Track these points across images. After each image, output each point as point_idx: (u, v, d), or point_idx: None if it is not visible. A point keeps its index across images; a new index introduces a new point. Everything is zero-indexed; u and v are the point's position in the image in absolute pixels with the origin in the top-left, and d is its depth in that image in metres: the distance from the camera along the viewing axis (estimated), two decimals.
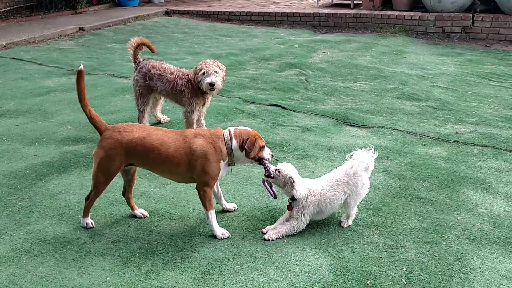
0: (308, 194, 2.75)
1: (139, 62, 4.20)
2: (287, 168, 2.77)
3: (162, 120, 4.58)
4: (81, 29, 9.27)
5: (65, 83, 5.75)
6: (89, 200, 2.77)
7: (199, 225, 2.86)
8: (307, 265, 2.48)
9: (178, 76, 3.99)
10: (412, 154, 3.89)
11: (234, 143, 2.69)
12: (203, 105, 4.12)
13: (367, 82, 5.96)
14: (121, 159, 2.64)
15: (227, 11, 10.90)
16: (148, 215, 2.96)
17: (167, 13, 11.61)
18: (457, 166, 3.66)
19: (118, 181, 3.05)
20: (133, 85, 4.22)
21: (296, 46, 8.06)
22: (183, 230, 2.81)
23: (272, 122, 4.60)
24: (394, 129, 4.42)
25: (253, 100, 5.20)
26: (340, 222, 2.90)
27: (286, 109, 4.97)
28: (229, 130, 2.76)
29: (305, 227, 2.78)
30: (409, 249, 2.63)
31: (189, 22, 10.72)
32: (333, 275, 2.41)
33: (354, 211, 2.89)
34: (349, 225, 2.87)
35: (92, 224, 2.83)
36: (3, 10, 10.92)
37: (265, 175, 2.78)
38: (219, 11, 11.00)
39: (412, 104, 5.17)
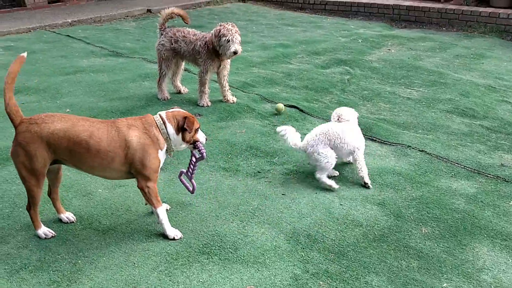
0: None
1: (164, 28, 4.37)
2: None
3: (182, 90, 4.71)
4: (148, 11, 9.36)
5: (98, 64, 5.73)
6: (31, 209, 2.43)
7: (117, 244, 2.47)
8: None
9: (199, 38, 4.20)
10: (429, 186, 3.07)
11: (169, 127, 2.49)
12: (219, 67, 4.27)
13: (420, 89, 5.02)
14: (44, 154, 2.31)
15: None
16: (75, 220, 2.65)
17: None
18: (481, 210, 2.79)
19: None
20: (158, 50, 4.38)
21: (359, 40, 7.21)
22: (95, 247, 2.44)
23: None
24: (422, 150, 3.57)
25: (272, 99, 4.64)
26: None
27: (304, 112, 4.34)
28: (159, 115, 2.52)
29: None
30: None
31: (260, 9, 10.28)
32: None
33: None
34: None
35: (50, 232, 2.49)
36: None
37: (195, 159, 2.67)
38: None
39: (462, 121, 4.19)
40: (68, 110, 4.21)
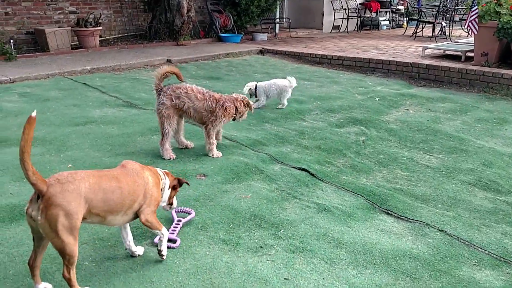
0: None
1: (161, 89, 4.30)
2: None
3: (188, 145, 4.63)
4: (168, 61, 9.48)
5: (110, 115, 5.67)
6: (70, 272, 2.32)
7: None
8: None
9: (209, 98, 4.27)
10: (449, 275, 2.75)
11: (167, 180, 2.83)
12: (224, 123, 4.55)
13: (440, 156, 4.76)
14: (82, 211, 2.33)
15: (319, 54, 10.28)
16: None
17: (261, 51, 11.43)
18: None
19: None
20: (158, 110, 4.27)
21: (377, 98, 7.06)
22: None
23: (287, 192, 3.79)
24: (442, 230, 3.27)
25: (283, 160, 4.44)
26: None
27: (315, 176, 4.11)
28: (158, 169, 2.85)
29: None
30: None
31: (278, 62, 10.34)
32: None
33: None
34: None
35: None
36: (114, 36, 11.86)
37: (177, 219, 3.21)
38: (311, 53, 10.44)
39: (486, 196, 3.88)
40: (70, 165, 4.08)
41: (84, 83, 7.16)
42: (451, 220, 3.42)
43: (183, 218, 3.21)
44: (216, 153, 4.43)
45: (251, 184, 3.90)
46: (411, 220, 3.42)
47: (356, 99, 7.00)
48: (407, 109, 6.56)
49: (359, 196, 3.78)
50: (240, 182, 3.92)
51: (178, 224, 3.13)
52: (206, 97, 4.28)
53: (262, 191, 3.77)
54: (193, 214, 3.26)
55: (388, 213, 3.53)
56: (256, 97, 6.22)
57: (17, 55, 8.94)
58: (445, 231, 3.25)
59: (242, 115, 4.55)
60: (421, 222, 3.38)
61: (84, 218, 2.37)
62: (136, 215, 2.62)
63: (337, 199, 3.72)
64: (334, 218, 3.41)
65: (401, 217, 3.47)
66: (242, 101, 4.51)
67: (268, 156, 4.52)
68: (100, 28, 10.63)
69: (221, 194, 3.68)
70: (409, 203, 3.69)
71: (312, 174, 4.14)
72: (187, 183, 3.02)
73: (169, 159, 4.29)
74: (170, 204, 2.93)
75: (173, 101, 4.22)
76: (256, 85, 6.21)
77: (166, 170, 2.90)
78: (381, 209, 3.59)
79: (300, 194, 3.78)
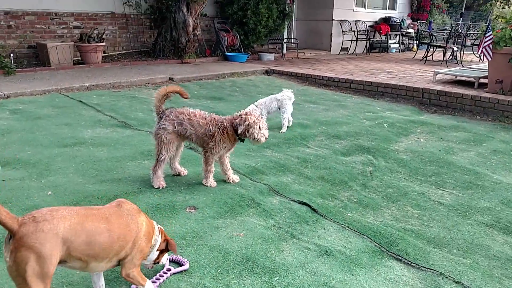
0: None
1: (163, 111, 3.95)
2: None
3: (181, 172, 4.29)
4: (170, 79, 9.24)
5: (102, 136, 5.37)
6: None
7: None
8: None
9: (210, 121, 3.93)
10: None
11: (159, 239, 2.55)
12: (229, 150, 4.12)
13: (454, 191, 4.37)
14: (58, 254, 2.02)
15: (326, 76, 10.00)
16: None
17: (267, 72, 11.18)
18: None
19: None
20: (157, 134, 3.91)
21: (385, 125, 6.71)
22: None
23: (284, 230, 3.42)
24: (458, 282, 2.87)
25: (282, 191, 4.08)
26: None
27: (316, 212, 3.74)
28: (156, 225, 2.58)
29: None
30: None
31: (284, 83, 10.06)
32: None
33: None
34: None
35: None
36: (118, 52, 11.69)
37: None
38: (317, 75, 10.17)
39: (506, 240, 3.48)
40: (50, 193, 3.75)
41: (80, 101, 6.89)
42: (468, 270, 3.02)
43: (174, 268, 2.82)
44: (211, 182, 4.08)
45: (246, 219, 3.54)
46: (423, 268, 3.03)
47: (363, 125, 6.66)
48: (418, 138, 6.20)
49: (365, 237, 3.40)
50: (233, 217, 3.56)
51: (166, 274, 2.74)
52: (207, 120, 3.95)
53: (258, 228, 3.40)
54: (186, 266, 2.84)
55: (397, 259, 3.15)
56: None
57: (17, 69, 8.74)
58: (462, 283, 2.86)
59: (251, 134, 3.88)
60: (435, 271, 2.99)
61: (64, 261, 2.11)
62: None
63: (341, 240, 3.34)
64: (337, 263, 3.03)
65: (412, 264, 3.08)
66: (242, 116, 3.93)
67: (267, 187, 4.17)
68: (103, 44, 10.46)
69: (211, 231, 3.32)
70: (421, 247, 3.30)
71: (314, 210, 3.77)
72: (175, 251, 2.67)
73: (158, 188, 3.95)
74: (156, 263, 2.66)
75: (175, 128, 3.88)
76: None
77: (162, 228, 2.62)
78: (389, 253, 3.21)
79: (299, 233, 3.40)
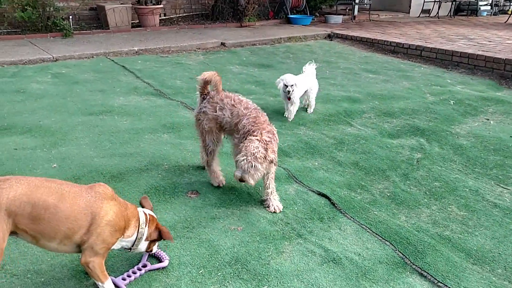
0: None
1: (207, 93, 3.40)
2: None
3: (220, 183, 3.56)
4: (222, 44, 8.85)
5: (132, 104, 5.18)
6: None
7: None
8: None
9: (245, 114, 3.19)
10: None
11: (146, 231, 2.33)
12: None
13: None
14: (3, 227, 1.92)
15: (394, 42, 8.97)
16: None
17: (329, 36, 10.34)
18: None
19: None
20: (198, 120, 3.39)
21: (451, 102, 5.79)
22: None
23: (291, 227, 2.96)
24: None
25: (303, 179, 3.58)
26: None
27: (336, 207, 3.22)
28: (144, 213, 2.35)
29: None
30: None
31: (345, 49, 9.22)
32: None
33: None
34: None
35: None
36: (179, 15, 11.48)
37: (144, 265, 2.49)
38: (385, 41, 9.16)
39: None
40: (55, 165, 3.61)
41: (123, 66, 6.78)
42: None
43: (151, 264, 2.50)
44: (277, 204, 3.18)
45: (250, 210, 3.12)
46: None
47: (425, 101, 5.80)
48: (487, 119, 5.25)
49: (388, 243, 2.83)
50: (237, 207, 3.16)
51: (140, 270, 2.44)
52: (245, 113, 3.22)
53: (260, 222, 2.98)
54: (165, 263, 2.51)
55: (421, 274, 2.57)
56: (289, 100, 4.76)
57: (74, 32, 8.88)
58: None
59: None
60: None
61: (15, 233, 2.00)
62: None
63: (356, 245, 2.81)
64: (343, 275, 2.53)
65: (439, 284, 2.49)
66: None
67: (286, 172, 3.69)
68: (161, 6, 10.27)
69: (207, 222, 2.96)
70: (456, 261, 2.67)
71: (333, 204, 3.25)
72: (170, 239, 2.41)
73: (219, 186, 3.41)
74: (149, 252, 2.49)
75: (216, 112, 3.29)
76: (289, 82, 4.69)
77: (152, 215, 2.39)
78: (413, 266, 2.63)
79: (308, 231, 2.93)
